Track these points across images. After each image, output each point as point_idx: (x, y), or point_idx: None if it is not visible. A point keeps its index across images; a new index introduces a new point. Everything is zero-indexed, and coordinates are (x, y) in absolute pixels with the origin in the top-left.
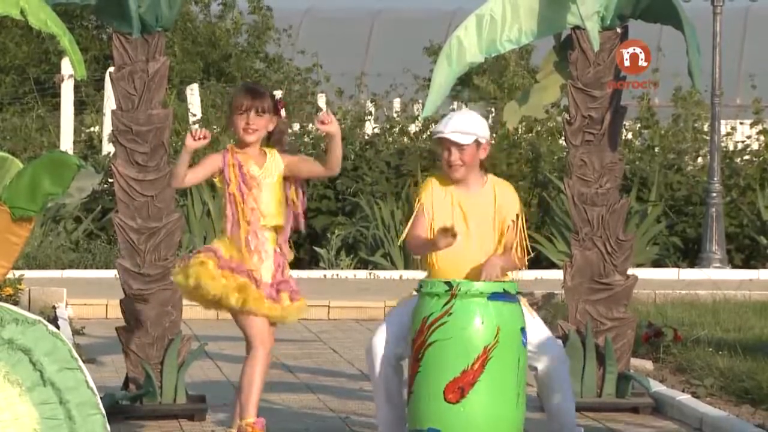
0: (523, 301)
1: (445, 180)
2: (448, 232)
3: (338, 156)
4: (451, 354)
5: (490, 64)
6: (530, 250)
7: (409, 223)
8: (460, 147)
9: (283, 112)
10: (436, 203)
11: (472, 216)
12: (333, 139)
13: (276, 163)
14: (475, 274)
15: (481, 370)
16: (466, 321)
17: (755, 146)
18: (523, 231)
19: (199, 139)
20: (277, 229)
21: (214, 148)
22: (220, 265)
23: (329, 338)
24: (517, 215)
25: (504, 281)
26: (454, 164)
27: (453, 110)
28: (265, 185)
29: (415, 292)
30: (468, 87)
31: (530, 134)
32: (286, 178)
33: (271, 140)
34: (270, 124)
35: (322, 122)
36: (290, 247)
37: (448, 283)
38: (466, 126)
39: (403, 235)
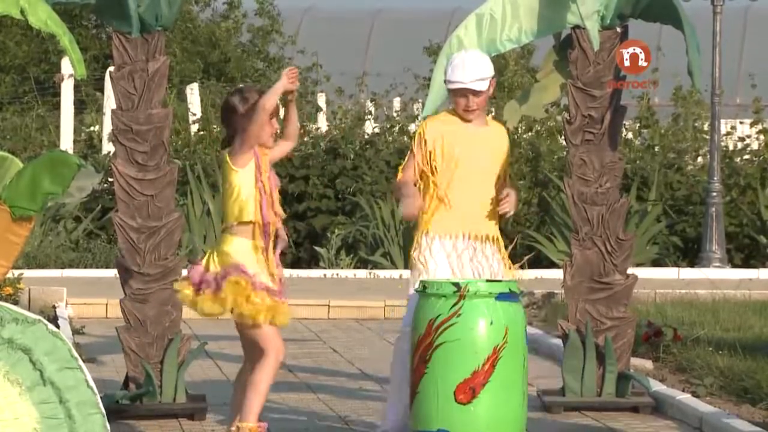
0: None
1: (449, 119)
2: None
3: (296, 125)
4: (461, 355)
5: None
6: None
7: (406, 160)
8: (477, 93)
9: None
10: (445, 137)
11: (479, 151)
12: (292, 99)
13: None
14: (487, 208)
15: (491, 370)
16: (476, 322)
17: (755, 146)
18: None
19: (293, 80)
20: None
21: (214, 148)
22: (254, 285)
23: (329, 338)
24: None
25: (509, 281)
26: (471, 109)
27: (459, 53)
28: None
29: (413, 291)
30: None
31: (530, 133)
32: None
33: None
34: None
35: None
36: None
37: (455, 283)
38: (483, 71)
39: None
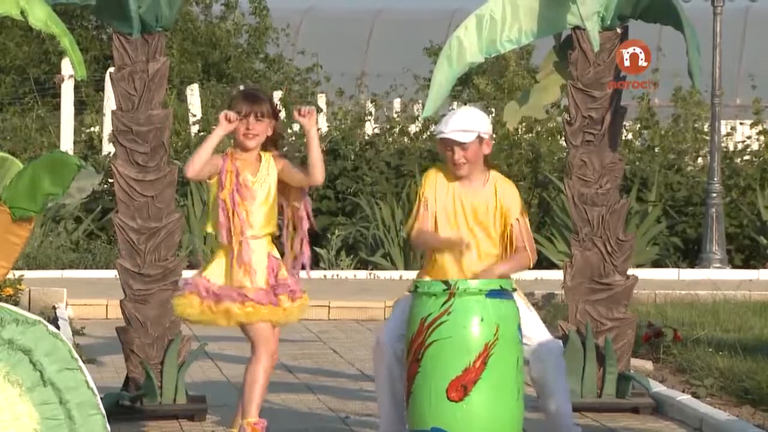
0: (520, 293)
1: (448, 174)
2: (462, 244)
3: (317, 161)
4: (452, 353)
5: (491, 64)
6: (535, 253)
7: (413, 216)
8: (462, 145)
9: (282, 114)
10: (439, 196)
11: (473, 213)
12: (308, 135)
13: (270, 168)
14: (475, 272)
15: (482, 367)
16: (466, 319)
17: (755, 146)
18: (528, 229)
19: (233, 121)
20: (271, 236)
21: (215, 149)
22: (203, 297)
23: (329, 338)
24: (521, 213)
25: (501, 279)
26: (458, 162)
27: (452, 110)
28: (259, 193)
29: (408, 292)
30: (468, 87)
31: (530, 134)
32: (282, 182)
33: (267, 143)
34: (269, 128)
35: (299, 112)
36: (305, 246)
37: (445, 282)
38: (467, 123)
39: (407, 227)
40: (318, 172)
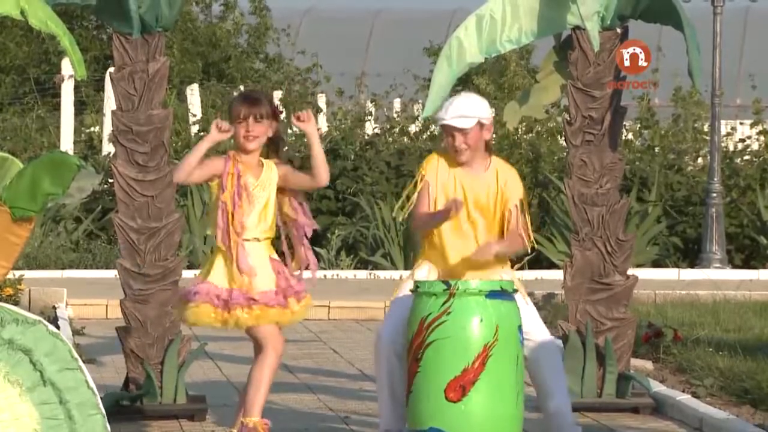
0: (518, 284)
1: (449, 160)
2: (455, 205)
3: (320, 163)
4: (451, 353)
5: (491, 65)
6: (532, 238)
7: (412, 202)
8: (463, 131)
9: (282, 115)
10: (440, 180)
11: (474, 199)
12: (309, 139)
13: (272, 174)
14: (473, 257)
15: (481, 368)
16: (466, 320)
17: (755, 146)
18: (527, 215)
19: (224, 131)
20: (270, 240)
21: (215, 150)
22: (215, 305)
23: (329, 338)
24: (521, 200)
25: (501, 280)
26: (459, 149)
27: (452, 96)
28: (260, 197)
29: (409, 292)
30: (468, 87)
31: (530, 134)
32: (281, 191)
33: (269, 149)
34: (269, 129)
35: (298, 118)
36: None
37: (446, 282)
38: (467, 109)
39: (404, 212)
40: (323, 173)
